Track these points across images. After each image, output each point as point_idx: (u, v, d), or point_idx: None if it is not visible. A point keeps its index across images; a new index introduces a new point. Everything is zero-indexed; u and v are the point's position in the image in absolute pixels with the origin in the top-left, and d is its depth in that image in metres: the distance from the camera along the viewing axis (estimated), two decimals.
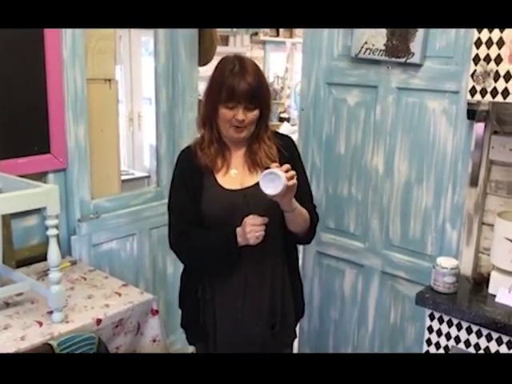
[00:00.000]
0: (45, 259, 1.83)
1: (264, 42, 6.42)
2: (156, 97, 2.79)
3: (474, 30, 1.78)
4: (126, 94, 4.63)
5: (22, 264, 2.20)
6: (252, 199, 1.70)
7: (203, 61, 2.89)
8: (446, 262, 1.97)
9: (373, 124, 2.36)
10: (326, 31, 2.44)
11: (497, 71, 1.75)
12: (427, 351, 1.99)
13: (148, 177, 4.44)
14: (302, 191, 1.71)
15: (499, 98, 1.76)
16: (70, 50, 2.25)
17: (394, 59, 2.19)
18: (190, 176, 1.76)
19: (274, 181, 1.52)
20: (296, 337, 1.93)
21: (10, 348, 1.64)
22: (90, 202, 2.47)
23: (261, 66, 1.81)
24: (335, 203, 2.54)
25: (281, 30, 6.41)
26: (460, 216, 2.16)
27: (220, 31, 3.68)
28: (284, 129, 5.81)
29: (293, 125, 6.16)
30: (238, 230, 1.66)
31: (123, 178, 3.49)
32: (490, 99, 1.79)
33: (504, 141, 2.00)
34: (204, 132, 1.77)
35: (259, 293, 1.75)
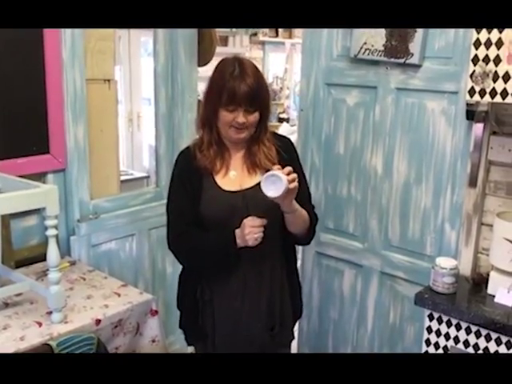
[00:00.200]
0: (44, 259, 1.83)
1: (263, 43, 6.41)
2: (155, 97, 2.79)
3: (473, 31, 1.79)
4: (126, 94, 4.63)
5: (21, 264, 2.20)
6: (251, 200, 1.70)
7: (202, 61, 2.89)
8: (445, 263, 1.97)
9: (372, 124, 2.37)
10: (325, 32, 2.44)
11: (496, 72, 1.75)
12: (426, 351, 1.99)
13: (147, 177, 4.44)
14: (301, 192, 1.71)
15: (498, 99, 1.76)
16: (70, 50, 2.25)
17: (393, 60, 2.19)
18: (188, 177, 1.76)
19: (276, 183, 1.53)
20: (294, 337, 1.93)
21: (9, 348, 1.64)
22: (90, 203, 2.47)
23: (260, 67, 1.82)
24: (334, 203, 2.54)
25: (280, 30, 6.41)
26: (459, 216, 2.16)
27: (219, 32, 3.68)
28: (283, 129, 5.81)
29: (292, 125, 6.16)
30: (237, 231, 1.65)
31: (122, 178, 3.49)
32: (489, 100, 1.79)
33: (503, 141, 2.00)
34: (203, 134, 1.77)
35: (258, 294, 1.75)
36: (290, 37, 6.56)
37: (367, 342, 2.53)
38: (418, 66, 2.16)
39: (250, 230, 1.62)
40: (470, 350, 1.87)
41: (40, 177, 2.24)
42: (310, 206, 1.82)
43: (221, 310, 1.77)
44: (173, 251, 1.80)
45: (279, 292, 1.80)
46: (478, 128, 1.99)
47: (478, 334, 1.85)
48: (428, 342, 1.98)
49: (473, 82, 1.80)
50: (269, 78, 6.53)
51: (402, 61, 2.17)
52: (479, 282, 2.04)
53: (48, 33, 2.16)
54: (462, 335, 1.89)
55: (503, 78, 1.73)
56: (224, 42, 5.69)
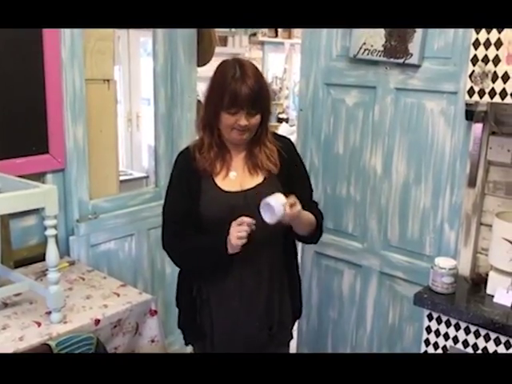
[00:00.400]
0: (43, 259, 1.83)
1: (262, 43, 6.41)
2: (154, 97, 2.79)
3: (472, 31, 1.79)
4: (125, 94, 4.63)
5: (21, 264, 2.20)
6: (252, 201, 1.69)
7: (202, 61, 2.89)
8: (444, 263, 1.97)
9: (371, 124, 2.37)
10: (324, 32, 2.44)
11: (495, 72, 1.75)
12: (425, 351, 1.99)
13: (146, 177, 4.45)
14: (303, 192, 1.75)
15: (497, 99, 1.76)
16: (69, 50, 2.25)
17: (392, 60, 2.19)
18: (187, 179, 1.75)
19: (270, 210, 1.56)
20: (292, 337, 1.94)
21: (8, 348, 1.64)
22: (89, 203, 2.47)
23: (259, 67, 1.81)
24: (334, 203, 2.55)
25: (279, 30, 6.41)
26: (458, 216, 2.16)
27: (219, 32, 3.69)
28: (282, 129, 5.81)
29: (291, 125, 6.17)
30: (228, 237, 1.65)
31: (121, 178, 3.49)
32: (488, 100, 1.79)
33: (502, 141, 2.00)
34: (203, 135, 1.76)
35: (256, 293, 1.75)
36: (290, 37, 6.57)
37: (366, 341, 2.53)
38: (417, 66, 2.16)
39: (234, 229, 1.61)
40: (469, 349, 1.87)
41: (39, 177, 2.24)
42: (312, 203, 1.85)
43: (218, 309, 1.77)
44: (166, 251, 1.81)
45: (278, 292, 1.80)
46: (477, 128, 1.99)
47: (477, 334, 1.85)
48: (427, 342, 1.98)
49: (472, 82, 1.80)
50: (268, 78, 6.53)
51: (401, 61, 2.17)
52: (478, 281, 2.04)
53: (47, 33, 2.16)
54: (461, 335, 1.89)
55: (502, 78, 1.74)
56: (223, 42, 5.69)
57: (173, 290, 1.95)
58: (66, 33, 2.23)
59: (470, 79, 1.80)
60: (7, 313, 1.86)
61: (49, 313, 1.82)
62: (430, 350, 1.98)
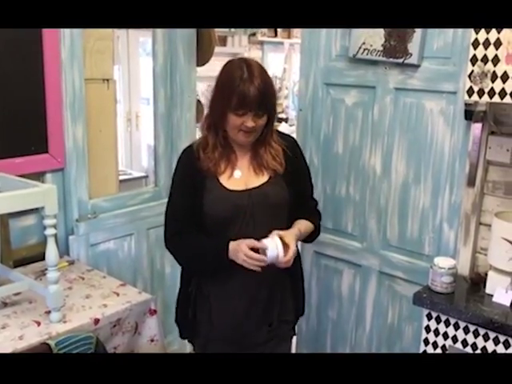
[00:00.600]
0: (43, 259, 1.83)
1: (262, 43, 6.41)
2: (154, 97, 2.79)
3: (472, 31, 1.79)
4: (124, 94, 4.63)
5: (20, 264, 2.20)
6: (257, 200, 1.70)
7: (201, 61, 2.89)
8: (443, 262, 1.98)
9: (371, 124, 2.37)
10: (323, 32, 2.44)
11: (494, 72, 1.75)
12: (424, 351, 2.00)
13: (146, 177, 4.45)
14: (305, 190, 1.80)
15: (496, 99, 1.76)
16: (68, 50, 2.25)
17: (391, 60, 2.20)
18: (190, 178, 1.74)
19: (266, 254, 1.60)
20: (295, 333, 1.94)
21: (7, 348, 1.64)
22: (88, 202, 2.47)
23: None
24: (333, 203, 2.55)
25: (279, 30, 6.41)
26: (457, 216, 2.16)
27: (218, 31, 3.68)
28: (282, 129, 5.76)
29: (291, 125, 6.17)
30: (233, 245, 1.65)
31: (121, 178, 3.49)
32: (488, 100, 1.79)
33: (501, 141, 2.01)
34: (208, 135, 1.75)
35: (257, 290, 1.75)
36: (289, 37, 6.56)
37: (365, 341, 2.53)
38: (416, 66, 2.16)
39: (245, 259, 1.61)
40: (468, 349, 1.88)
41: (39, 176, 2.24)
42: (312, 202, 1.88)
43: (218, 306, 1.77)
44: (168, 249, 1.81)
45: (280, 290, 1.80)
46: (477, 128, 1.99)
47: (476, 334, 1.85)
48: (426, 342, 1.99)
49: (471, 81, 1.80)
50: None
51: (400, 61, 2.17)
52: (477, 281, 2.04)
53: (47, 33, 2.16)
54: (461, 334, 1.89)
55: (502, 77, 1.74)
56: (223, 41, 5.69)
57: (172, 290, 1.95)
58: (66, 33, 2.23)
59: (470, 79, 1.81)
60: (7, 312, 1.86)
61: (48, 312, 1.82)
62: (429, 349, 1.98)
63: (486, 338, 1.83)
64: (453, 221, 2.19)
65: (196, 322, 1.82)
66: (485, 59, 1.76)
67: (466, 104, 1.97)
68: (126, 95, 4.67)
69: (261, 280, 1.72)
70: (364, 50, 2.25)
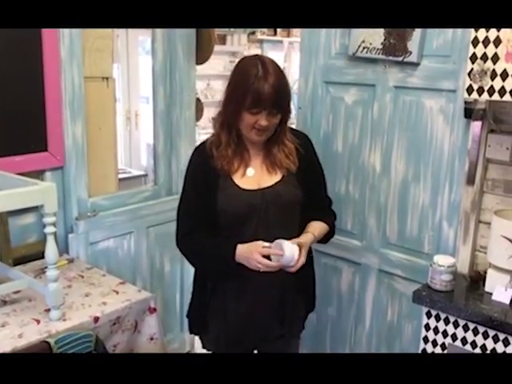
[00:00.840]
0: (42, 257, 1.83)
1: (261, 41, 6.42)
2: (153, 95, 2.80)
3: (471, 29, 1.79)
4: (124, 92, 4.63)
5: (19, 262, 2.20)
6: (270, 199, 1.70)
7: (201, 59, 2.89)
8: (442, 260, 1.98)
9: (370, 122, 2.37)
10: (323, 30, 2.44)
11: (494, 70, 1.75)
12: (424, 349, 2.00)
13: (145, 175, 4.46)
14: (319, 189, 1.81)
15: (496, 97, 1.76)
16: (68, 48, 2.25)
17: (391, 58, 2.19)
18: (204, 176, 1.73)
19: (281, 257, 1.61)
20: (304, 328, 1.95)
21: (7, 346, 1.64)
22: (88, 200, 2.47)
23: None
24: (333, 201, 2.54)
25: (278, 29, 6.42)
26: (457, 214, 2.16)
27: (217, 30, 3.69)
28: None
29: (290, 123, 6.16)
30: (243, 251, 1.64)
31: (120, 176, 3.50)
32: (487, 98, 1.79)
33: (501, 139, 2.01)
34: (220, 133, 1.73)
35: (270, 288, 1.74)
36: (288, 35, 6.57)
37: (365, 339, 2.54)
38: (416, 64, 2.16)
39: (259, 267, 1.62)
40: (468, 347, 1.88)
41: (38, 174, 2.24)
42: (326, 200, 1.90)
43: (232, 301, 1.77)
44: (180, 250, 1.80)
45: (292, 286, 1.79)
46: (476, 126, 1.99)
47: (475, 332, 1.85)
48: (426, 340, 1.99)
49: (471, 80, 1.80)
50: None
51: (400, 59, 2.17)
52: (477, 279, 2.05)
53: (46, 31, 2.16)
54: (460, 333, 1.89)
55: (501, 75, 1.74)
56: (222, 40, 5.70)
57: (172, 288, 1.95)
58: (65, 32, 2.23)
59: (469, 77, 1.81)
60: (6, 310, 1.86)
61: (48, 310, 1.82)
62: (429, 347, 1.98)
63: (485, 335, 1.83)
64: (452, 219, 2.19)
65: (208, 318, 1.82)
66: (484, 57, 1.76)
67: (465, 102, 1.97)
68: (126, 94, 4.67)
69: (273, 278, 1.71)
70: (363, 48, 2.25)
